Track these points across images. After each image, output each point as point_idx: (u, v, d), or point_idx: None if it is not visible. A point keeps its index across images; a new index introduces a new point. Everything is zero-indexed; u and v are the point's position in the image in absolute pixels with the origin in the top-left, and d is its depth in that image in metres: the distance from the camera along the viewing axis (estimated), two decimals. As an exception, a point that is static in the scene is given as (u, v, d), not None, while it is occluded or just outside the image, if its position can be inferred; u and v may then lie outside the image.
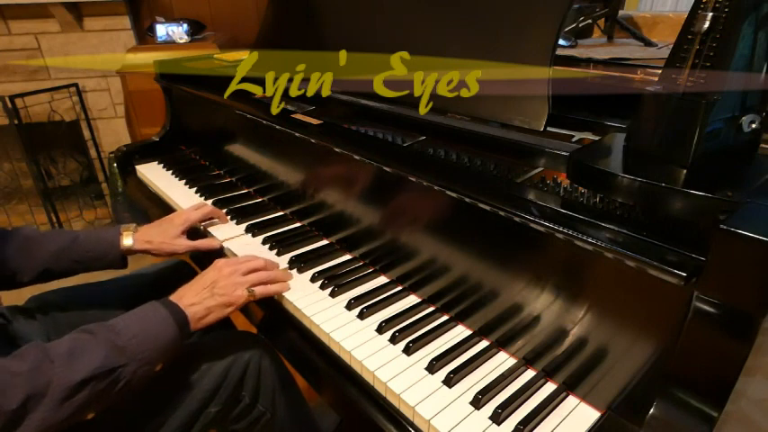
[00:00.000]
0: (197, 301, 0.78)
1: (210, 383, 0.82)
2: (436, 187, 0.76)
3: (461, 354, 0.74)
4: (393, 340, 0.76)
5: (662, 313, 0.56)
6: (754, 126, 0.59)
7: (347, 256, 0.98)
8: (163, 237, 1.00)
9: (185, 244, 1.02)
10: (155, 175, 1.43)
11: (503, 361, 0.73)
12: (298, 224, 1.11)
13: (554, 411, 0.65)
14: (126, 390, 0.68)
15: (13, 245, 0.90)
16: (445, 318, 0.81)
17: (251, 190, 1.28)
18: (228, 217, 1.14)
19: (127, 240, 0.97)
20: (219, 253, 1.05)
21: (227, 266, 0.84)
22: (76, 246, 0.94)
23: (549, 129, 0.76)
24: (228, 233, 1.08)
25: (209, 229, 1.10)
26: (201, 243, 1.04)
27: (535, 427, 0.63)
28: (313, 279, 0.90)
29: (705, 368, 0.51)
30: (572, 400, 0.67)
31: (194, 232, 1.12)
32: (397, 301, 0.85)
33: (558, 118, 0.83)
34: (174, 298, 0.78)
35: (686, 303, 0.52)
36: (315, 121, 1.01)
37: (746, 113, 0.59)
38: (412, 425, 0.65)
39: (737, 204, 0.50)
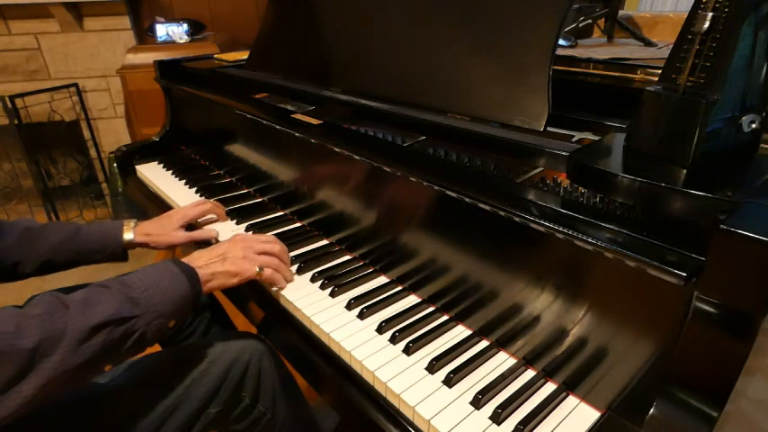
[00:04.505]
0: (205, 264, 0.80)
1: (210, 384, 0.82)
2: (436, 187, 0.76)
3: (461, 354, 0.74)
4: (393, 340, 0.76)
5: (662, 313, 0.56)
6: (754, 126, 0.59)
7: (347, 257, 0.98)
8: (161, 230, 1.04)
9: (183, 235, 1.05)
10: (155, 174, 1.43)
11: (503, 361, 0.73)
12: (298, 224, 1.11)
13: (554, 411, 0.65)
14: (141, 343, 0.69)
15: (13, 236, 0.91)
16: (445, 318, 0.81)
17: (251, 190, 1.28)
18: (229, 218, 1.14)
19: (127, 235, 1.00)
20: None
21: (243, 240, 0.86)
22: (78, 237, 0.96)
23: (549, 129, 0.76)
24: (229, 233, 1.08)
25: (207, 228, 1.10)
26: (198, 234, 1.07)
27: (535, 427, 0.63)
28: (313, 279, 0.90)
29: (705, 368, 0.51)
30: (572, 400, 0.67)
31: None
32: (397, 301, 0.85)
33: (558, 118, 0.83)
34: (185, 259, 0.80)
35: (686, 303, 0.52)
36: (315, 121, 1.01)
37: (746, 113, 0.59)
38: (412, 425, 0.65)
39: (737, 204, 0.50)
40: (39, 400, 0.60)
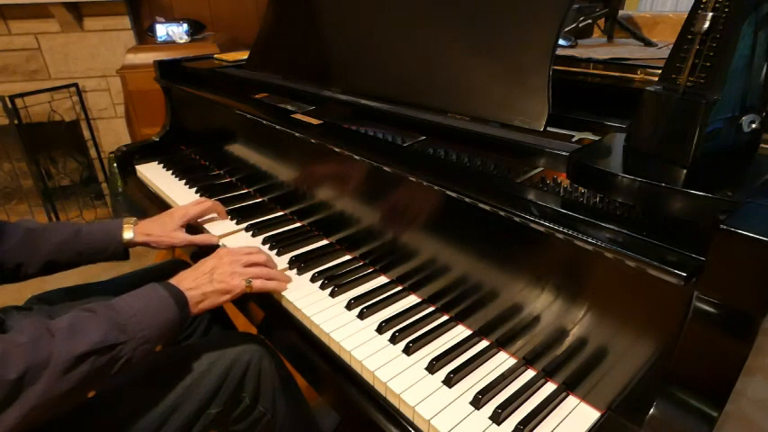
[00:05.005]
0: (194, 286, 0.79)
1: (211, 385, 0.82)
2: (436, 187, 0.76)
3: (461, 354, 0.74)
4: (393, 340, 0.76)
5: (662, 313, 0.56)
6: (754, 126, 0.59)
7: (347, 256, 0.98)
8: (162, 230, 1.03)
9: (183, 237, 1.04)
10: (155, 174, 1.43)
11: (503, 361, 0.73)
12: (298, 224, 1.11)
13: (554, 411, 0.65)
14: (126, 368, 0.68)
15: (15, 238, 0.91)
16: (445, 318, 0.81)
17: (251, 190, 1.28)
18: (228, 217, 1.14)
19: (127, 234, 1.00)
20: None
21: (228, 255, 0.85)
22: (79, 238, 0.96)
23: (549, 129, 0.76)
24: (229, 233, 1.08)
25: (207, 227, 1.10)
26: (199, 238, 1.07)
27: (535, 427, 0.63)
28: (313, 279, 0.90)
29: (705, 368, 0.51)
30: (572, 400, 0.67)
31: (194, 230, 1.13)
32: (397, 301, 0.85)
33: (558, 118, 0.83)
34: (173, 281, 0.79)
35: (686, 303, 0.52)
36: (315, 121, 1.01)
37: (746, 113, 0.59)
38: (412, 425, 0.65)
39: (737, 204, 0.50)
40: (23, 428, 0.59)
